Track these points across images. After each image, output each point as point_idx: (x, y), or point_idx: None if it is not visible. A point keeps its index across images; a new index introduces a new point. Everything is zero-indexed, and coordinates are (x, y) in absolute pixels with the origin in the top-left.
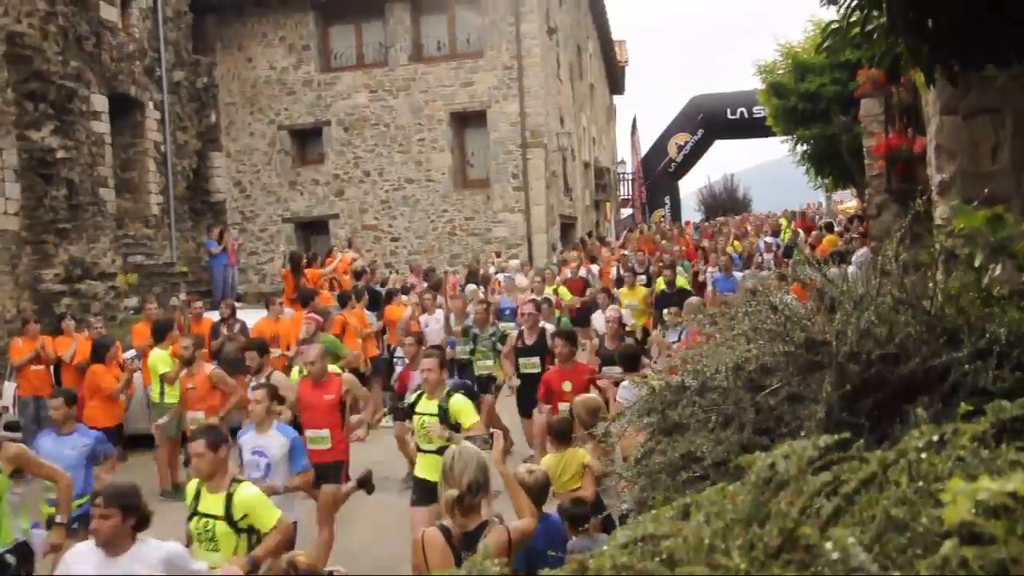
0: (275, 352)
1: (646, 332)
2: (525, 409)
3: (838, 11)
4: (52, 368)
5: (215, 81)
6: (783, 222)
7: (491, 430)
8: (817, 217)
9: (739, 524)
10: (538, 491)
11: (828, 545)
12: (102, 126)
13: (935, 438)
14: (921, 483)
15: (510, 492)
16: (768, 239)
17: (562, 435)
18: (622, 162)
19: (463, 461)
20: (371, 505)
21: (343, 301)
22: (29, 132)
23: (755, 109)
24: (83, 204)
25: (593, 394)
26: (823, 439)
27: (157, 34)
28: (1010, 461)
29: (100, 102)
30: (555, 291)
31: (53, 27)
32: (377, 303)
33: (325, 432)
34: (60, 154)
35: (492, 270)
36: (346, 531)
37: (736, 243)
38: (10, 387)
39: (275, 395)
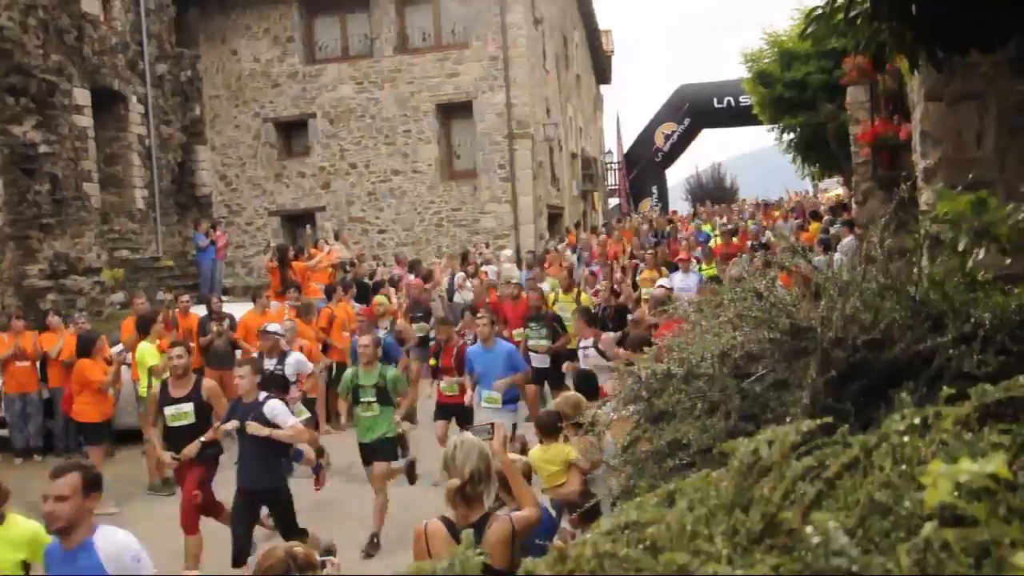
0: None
1: None
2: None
3: None
4: (39, 364)
5: (199, 74)
6: (706, 229)
7: (491, 421)
8: (760, 233)
9: (722, 510)
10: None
11: (810, 530)
12: (85, 120)
13: (918, 422)
14: (904, 467)
15: (511, 481)
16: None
17: (549, 428)
18: (609, 152)
19: (464, 451)
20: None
21: (330, 294)
22: (11, 126)
23: (741, 98)
24: (67, 199)
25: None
26: (806, 424)
27: (140, 27)
28: (992, 443)
29: (83, 96)
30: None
31: (33, 20)
32: (365, 295)
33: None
34: (43, 148)
35: (480, 261)
36: (336, 525)
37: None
38: None
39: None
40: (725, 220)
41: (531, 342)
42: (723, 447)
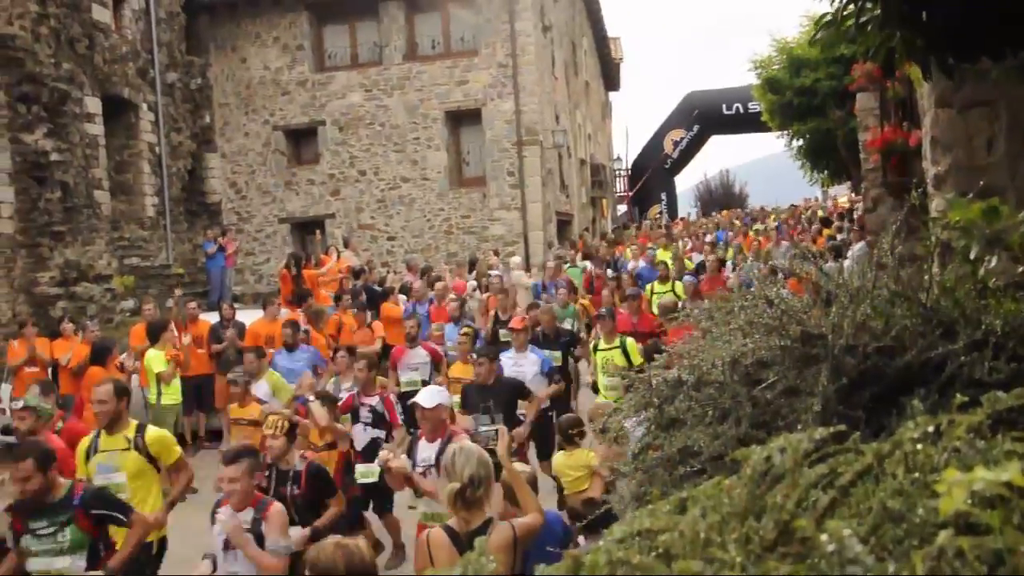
0: (271, 351)
1: None
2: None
3: (831, 3)
4: (50, 371)
5: (209, 82)
6: (666, 256)
7: (496, 426)
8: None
9: (735, 518)
10: None
11: (824, 537)
12: (96, 128)
13: (931, 429)
14: (917, 474)
15: (515, 487)
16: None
17: (570, 434)
18: (618, 159)
19: (464, 455)
20: None
21: (339, 301)
22: (22, 135)
23: (750, 104)
24: (78, 207)
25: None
26: (819, 432)
27: (150, 35)
28: (1005, 451)
29: (93, 104)
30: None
31: (45, 29)
32: (374, 303)
33: None
34: (54, 157)
35: (487, 268)
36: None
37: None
38: (7, 389)
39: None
40: (689, 245)
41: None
42: (736, 454)
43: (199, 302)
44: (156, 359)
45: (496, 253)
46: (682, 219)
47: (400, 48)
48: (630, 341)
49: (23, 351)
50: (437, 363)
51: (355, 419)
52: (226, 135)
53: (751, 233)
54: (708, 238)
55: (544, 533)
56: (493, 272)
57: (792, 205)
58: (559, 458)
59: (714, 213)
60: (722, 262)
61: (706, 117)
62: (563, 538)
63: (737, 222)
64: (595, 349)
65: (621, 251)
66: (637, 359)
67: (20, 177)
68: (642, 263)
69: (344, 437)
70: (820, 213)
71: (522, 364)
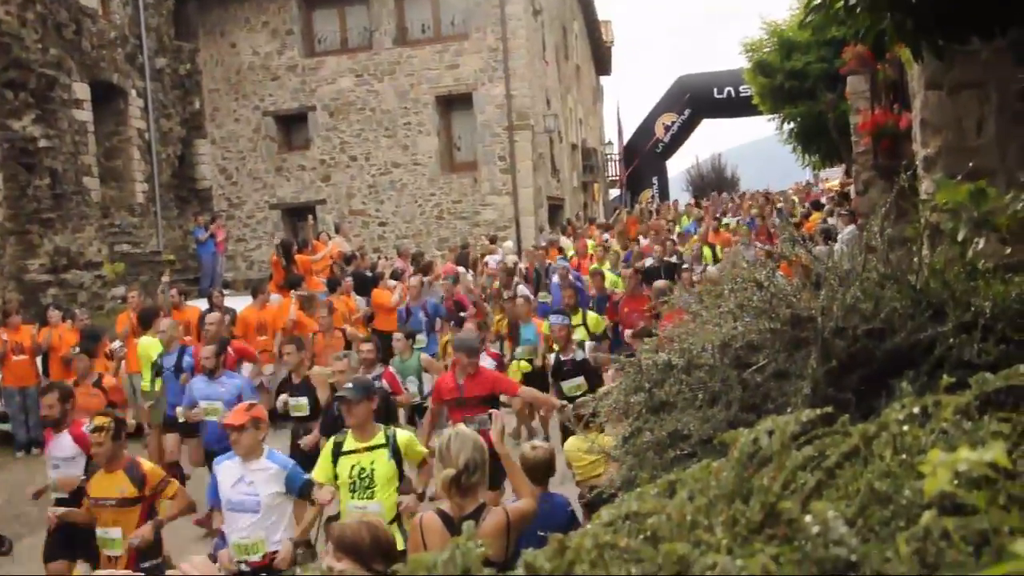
0: (261, 338)
1: None
2: None
3: None
4: (41, 359)
5: (198, 67)
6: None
7: (490, 411)
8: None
9: (722, 500)
10: (542, 469)
11: (809, 519)
12: (84, 114)
13: (918, 411)
14: (904, 456)
15: (509, 472)
16: None
17: (583, 417)
18: (609, 143)
19: (459, 441)
20: None
21: (332, 287)
22: (10, 121)
23: (742, 88)
24: (67, 193)
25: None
26: (806, 414)
27: (138, 20)
28: (992, 432)
29: (82, 90)
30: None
31: (31, 14)
32: (366, 288)
33: None
34: (42, 143)
35: (480, 253)
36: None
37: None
38: None
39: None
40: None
41: None
42: (723, 437)
43: (182, 287)
44: (152, 346)
45: (493, 241)
46: (675, 202)
47: (390, 33)
48: (404, 436)
49: (10, 340)
50: (88, 456)
51: None
52: (216, 121)
53: (721, 229)
54: (675, 231)
55: (549, 517)
56: (490, 258)
57: (765, 194)
58: (573, 442)
59: (674, 204)
60: (643, 272)
61: (697, 101)
62: (568, 523)
63: (697, 209)
64: (335, 454)
65: (552, 256)
66: (417, 454)
67: (8, 164)
68: (554, 280)
69: None
70: (795, 200)
71: (252, 481)
